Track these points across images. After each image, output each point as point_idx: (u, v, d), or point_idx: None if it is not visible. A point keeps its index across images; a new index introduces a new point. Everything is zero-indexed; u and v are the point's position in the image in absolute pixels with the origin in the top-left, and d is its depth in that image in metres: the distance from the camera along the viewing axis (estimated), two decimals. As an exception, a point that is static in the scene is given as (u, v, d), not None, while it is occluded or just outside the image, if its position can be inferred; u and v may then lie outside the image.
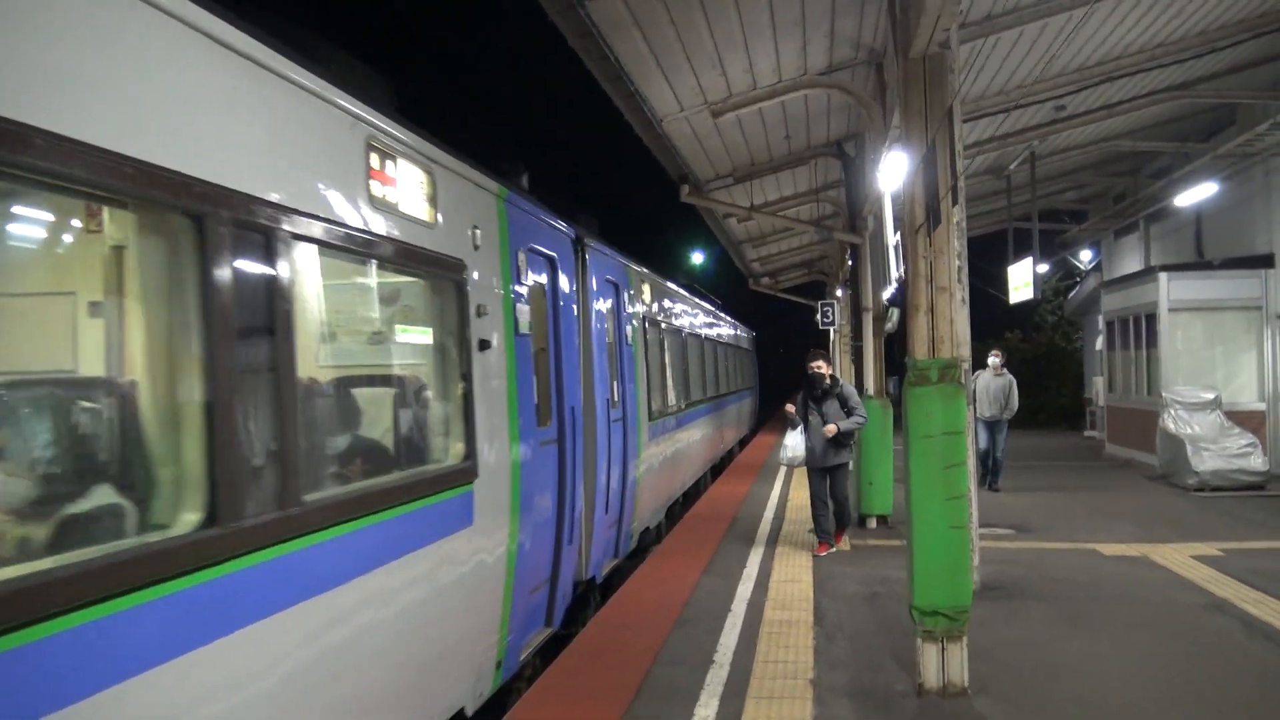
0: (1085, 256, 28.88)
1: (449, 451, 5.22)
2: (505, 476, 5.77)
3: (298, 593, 3.50)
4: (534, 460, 6.20)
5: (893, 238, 9.50)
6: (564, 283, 7.24)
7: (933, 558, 5.87)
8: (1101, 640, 7.02)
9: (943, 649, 5.91)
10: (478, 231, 5.58)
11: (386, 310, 5.04)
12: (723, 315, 20.80)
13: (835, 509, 10.34)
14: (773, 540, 11.04)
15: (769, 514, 13.11)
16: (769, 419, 31.40)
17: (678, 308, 13.85)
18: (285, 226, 3.52)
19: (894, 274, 9.52)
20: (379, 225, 4.34)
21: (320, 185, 3.87)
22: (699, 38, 7.66)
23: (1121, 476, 16.81)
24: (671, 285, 13.58)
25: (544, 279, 6.84)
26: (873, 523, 11.93)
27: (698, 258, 42.83)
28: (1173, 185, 17.59)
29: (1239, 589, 8.38)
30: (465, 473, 5.20)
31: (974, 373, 13.24)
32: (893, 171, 8.92)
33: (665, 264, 20.52)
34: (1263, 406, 16.35)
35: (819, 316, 18.48)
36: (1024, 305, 34.29)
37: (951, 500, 5.82)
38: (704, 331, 16.73)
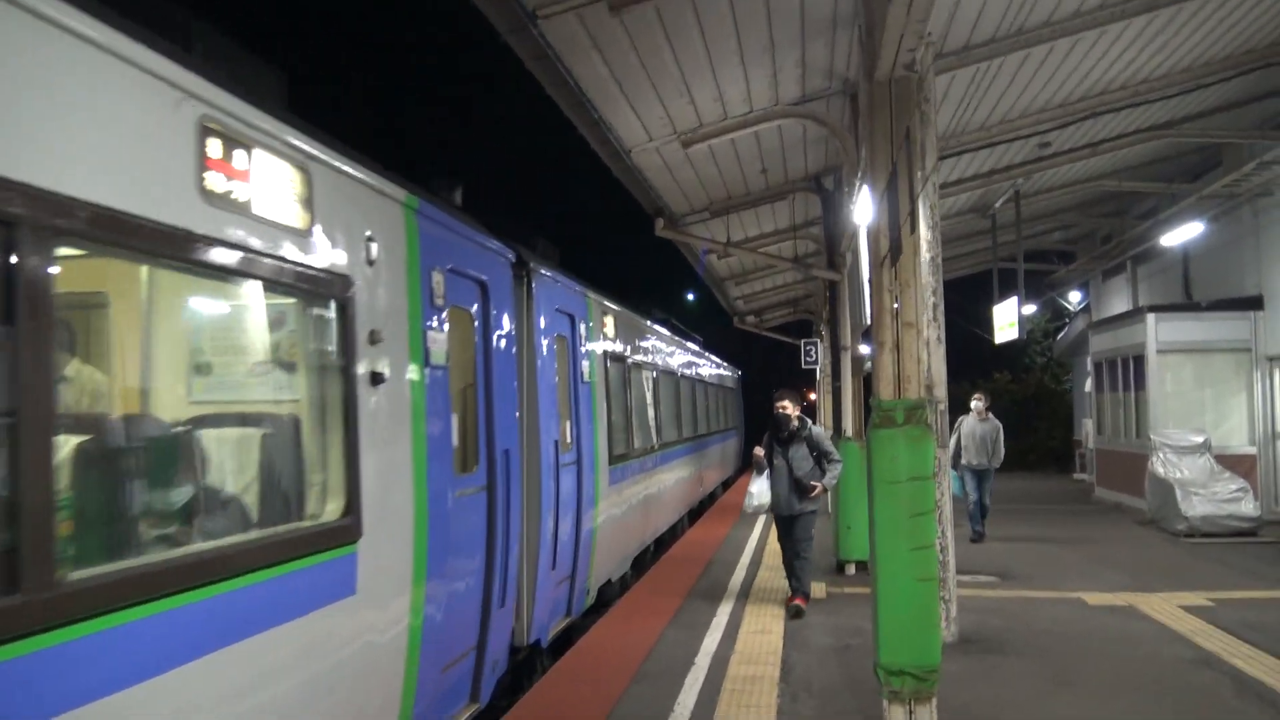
0: (1074, 298, 28.70)
1: (322, 506, 4.31)
2: (405, 533, 4.88)
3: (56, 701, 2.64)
4: (451, 513, 5.41)
5: (867, 274, 9.16)
6: (499, 311, 6.47)
7: (898, 612, 5.46)
8: (1085, 700, 6.60)
9: (910, 711, 5.49)
10: (373, 245, 4.72)
11: (225, 333, 4.31)
12: (703, 353, 20.38)
13: (794, 561, 9.41)
14: (746, 587, 10.61)
15: (745, 559, 12.68)
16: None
17: (649, 344, 13.11)
18: (57, 221, 2.74)
19: (868, 311, 9.18)
20: (214, 227, 3.47)
21: (123, 172, 3.05)
22: (663, 63, 7.37)
23: (1110, 521, 16.41)
24: (642, 320, 12.82)
25: (472, 306, 6.09)
26: (851, 569, 11.51)
27: (688, 297, 42.59)
28: (1159, 226, 17.38)
29: (1229, 642, 7.97)
30: (343, 531, 4.28)
31: (958, 419, 13.02)
32: (865, 204, 8.62)
33: (652, 302, 20.09)
34: (1253, 450, 16.00)
35: (803, 356, 18.13)
36: (1013, 346, 34.07)
37: (918, 550, 5.43)
38: (680, 370, 16.11)
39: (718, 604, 9.74)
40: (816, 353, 17.75)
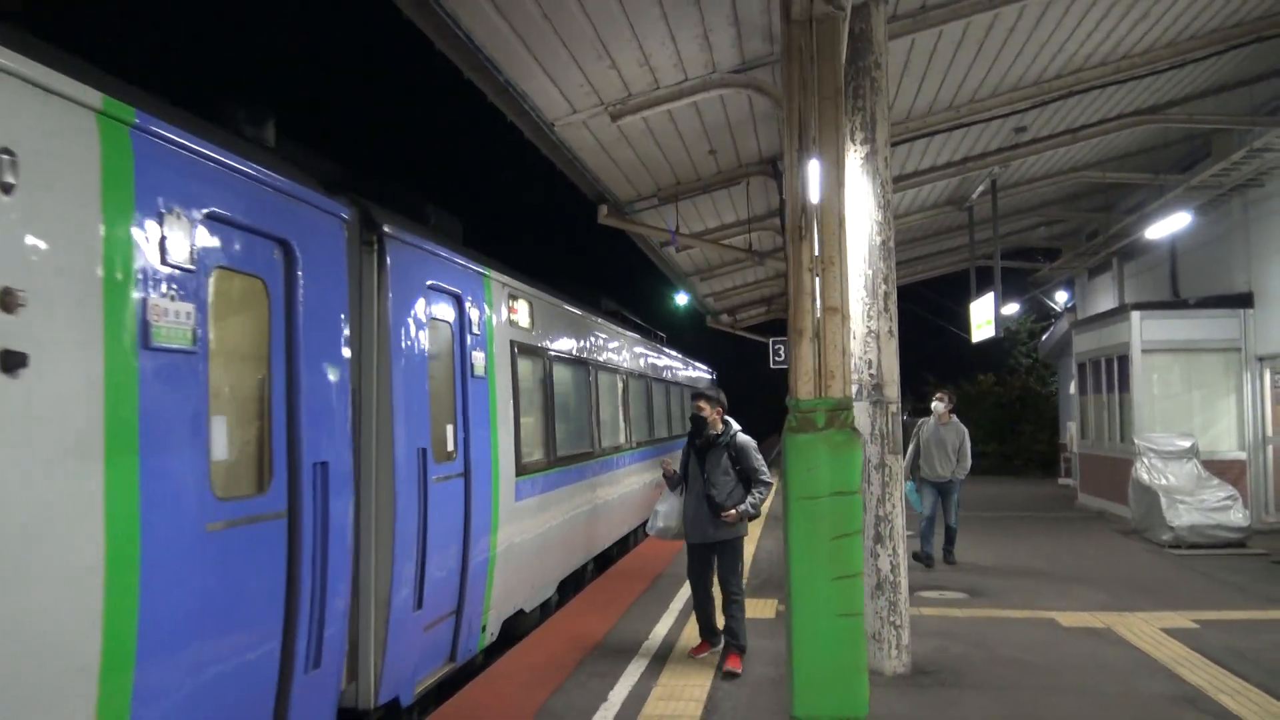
0: (1061, 298, 27.87)
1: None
2: (90, 594, 3.50)
3: None
4: (206, 556, 4.11)
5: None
6: (317, 282, 5.13)
7: (817, 655, 4.57)
8: (1046, 748, 5.71)
9: (831, 773, 4.59)
10: (15, 162, 3.32)
11: None
12: (664, 351, 19.38)
13: (727, 609, 7.45)
14: (689, 609, 9.69)
15: (698, 572, 11.76)
16: (733, 463, 29.89)
17: (588, 338, 11.72)
18: None
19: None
20: None
21: None
22: (570, 16, 6.44)
23: (1092, 530, 15.53)
24: (577, 311, 11.39)
25: (265, 272, 4.77)
26: (809, 584, 10.59)
27: (677, 297, 41.45)
28: (1144, 220, 16.53)
29: (1214, 674, 7.08)
30: None
31: (918, 423, 11.93)
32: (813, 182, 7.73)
33: (632, 304, 19.02)
34: (1243, 455, 15.15)
35: (772, 355, 17.21)
36: (998, 348, 33.25)
37: (842, 581, 4.53)
38: (632, 368, 14.87)
39: (653, 626, 8.83)
40: (785, 353, 16.80)
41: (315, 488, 5.03)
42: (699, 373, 26.69)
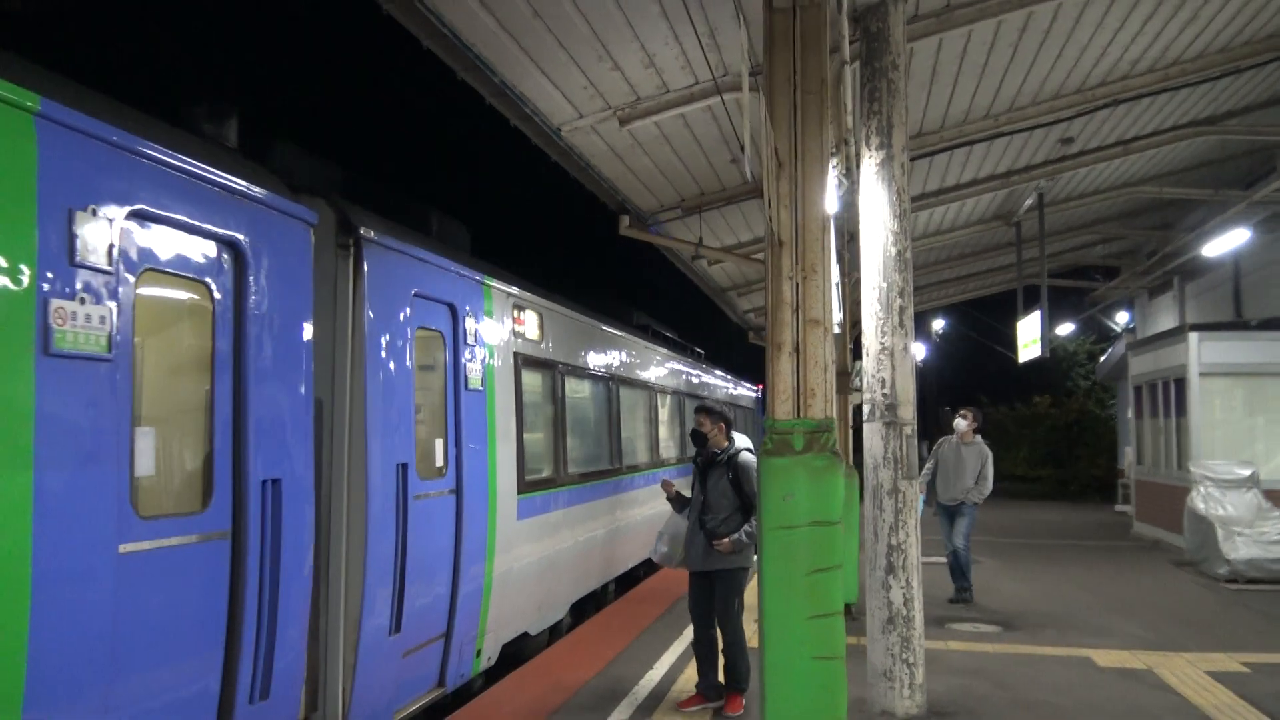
0: (1122, 319, 26.92)
1: None
2: None
3: None
4: (111, 581, 3.75)
5: (834, 273, 7.84)
6: (276, 288, 4.86)
7: (791, 701, 4.15)
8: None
9: (805, 833, 4.16)
10: None
11: None
12: (701, 367, 18.97)
13: (722, 646, 6.86)
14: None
15: (720, 597, 11.32)
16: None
17: (612, 351, 11.39)
18: None
19: (835, 317, 7.84)
20: None
21: None
22: (563, 13, 6.13)
23: (1145, 561, 14.77)
24: (599, 324, 10.99)
25: (203, 274, 4.43)
26: (833, 613, 10.11)
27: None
28: (1204, 237, 15.78)
29: (1261, 728, 6.51)
30: None
31: (937, 441, 11.20)
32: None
33: (672, 320, 18.63)
34: (1308, 486, 14.31)
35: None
36: (1056, 369, 32.24)
37: (819, 620, 4.11)
38: (662, 384, 14.54)
39: (659, 655, 8.43)
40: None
41: (265, 506, 4.73)
42: (743, 390, 26.23)
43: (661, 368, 14.41)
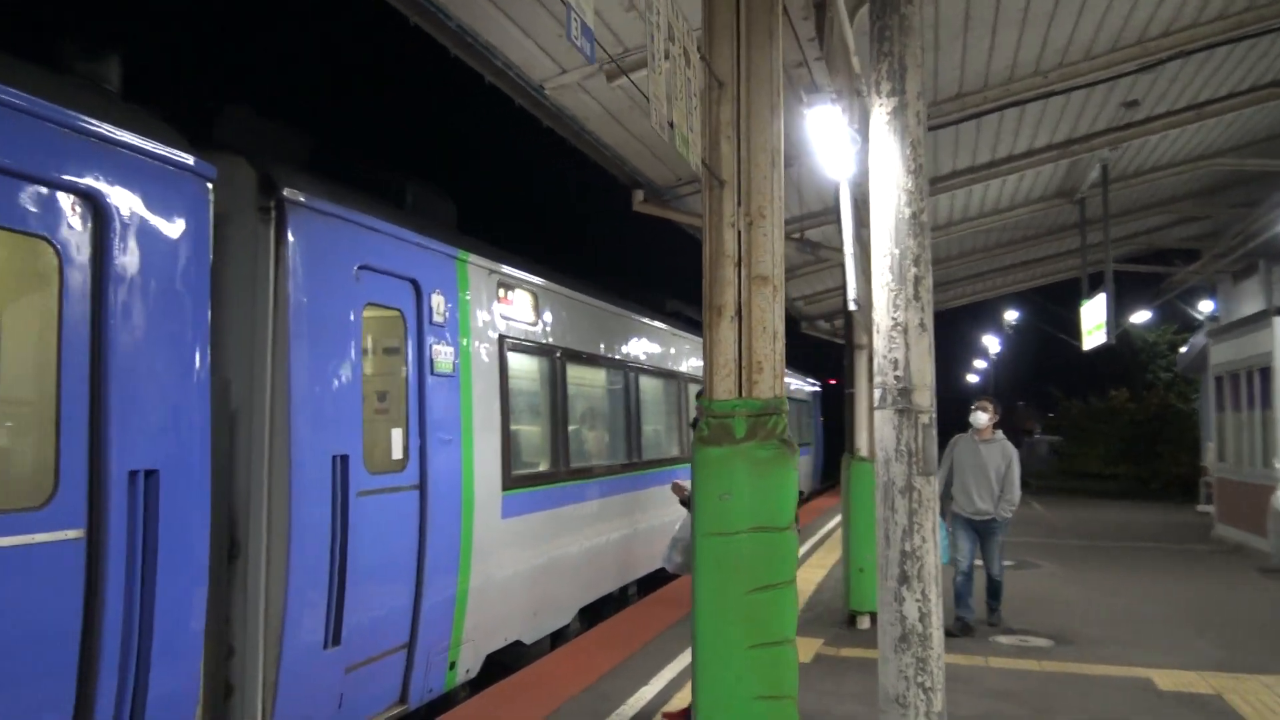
0: (1207, 307, 25.27)
1: None
2: None
3: None
4: None
5: (849, 244, 6.96)
6: (143, 246, 4.15)
7: (727, 750, 3.32)
8: None
9: None
10: None
11: None
12: None
13: None
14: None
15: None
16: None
17: (630, 338, 10.47)
18: None
19: (851, 293, 6.96)
20: None
21: None
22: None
23: (1224, 567, 13.52)
24: (608, 305, 10.05)
25: (45, 229, 3.78)
26: (865, 621, 9.23)
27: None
28: (1291, 212, 14.43)
29: (1347, 770, 5.49)
30: None
31: (952, 439, 9.32)
32: (827, 138, 6.45)
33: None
34: None
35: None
36: (1134, 360, 30.57)
37: (760, 650, 3.29)
38: (693, 372, 13.60)
39: (670, 660, 7.64)
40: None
41: (133, 501, 4.06)
42: (799, 383, 25.25)
43: (693, 357, 13.55)
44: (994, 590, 9.34)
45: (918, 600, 5.77)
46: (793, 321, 22.54)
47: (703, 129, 3.57)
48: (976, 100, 9.47)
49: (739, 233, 3.45)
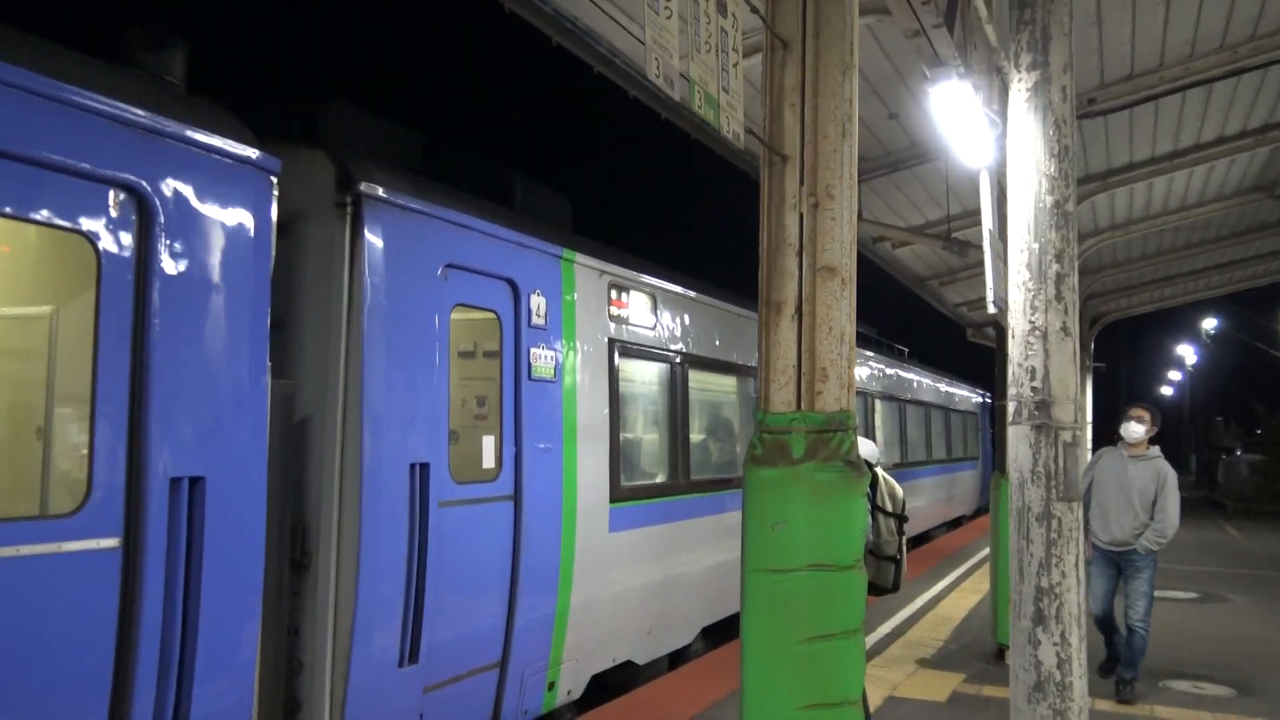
0: None
1: None
2: None
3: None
4: None
5: (988, 240, 6.24)
6: (194, 244, 3.95)
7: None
8: None
9: None
10: None
11: None
12: (902, 366, 17.14)
13: None
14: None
15: (887, 627, 9.78)
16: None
17: (755, 343, 10.05)
18: None
19: (990, 293, 6.23)
20: None
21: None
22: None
23: None
24: (737, 309, 9.36)
25: (85, 226, 3.58)
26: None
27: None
28: None
29: None
30: None
31: (1097, 453, 7.93)
32: (956, 119, 5.78)
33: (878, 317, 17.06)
34: None
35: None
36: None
37: (815, 712, 2.75)
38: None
39: None
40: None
41: (175, 509, 3.87)
42: (964, 393, 23.96)
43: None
44: (1134, 647, 7.43)
45: (1055, 644, 5.09)
46: (958, 329, 21.39)
47: (762, 97, 3.06)
48: (1151, 81, 8.48)
49: (801, 216, 2.93)
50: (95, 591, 3.65)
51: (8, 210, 3.44)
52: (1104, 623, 7.65)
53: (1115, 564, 7.52)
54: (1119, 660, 7.58)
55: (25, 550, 3.42)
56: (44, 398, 4.13)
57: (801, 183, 2.92)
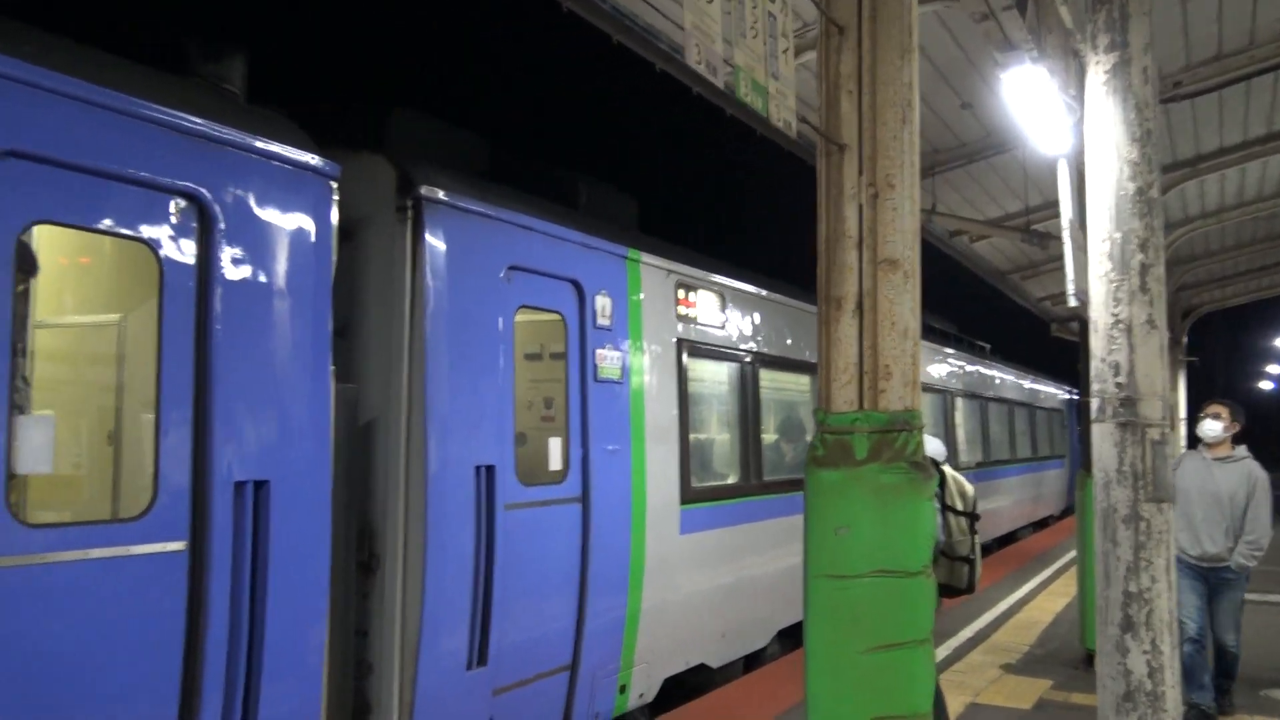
0: None
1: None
2: None
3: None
4: None
5: (1067, 231, 6.03)
6: (255, 249, 3.98)
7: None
8: None
9: None
10: None
11: None
12: (983, 363, 16.70)
13: None
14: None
15: (968, 631, 9.51)
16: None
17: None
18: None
19: (1070, 285, 6.00)
20: None
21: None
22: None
23: None
24: (806, 305, 8.92)
25: (145, 232, 3.61)
26: (1104, 664, 8.06)
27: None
28: None
29: None
30: None
31: (1176, 458, 6.80)
32: (1029, 105, 5.58)
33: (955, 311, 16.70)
34: None
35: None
36: None
37: (882, 724, 2.63)
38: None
39: None
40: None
41: (240, 513, 3.91)
42: (1050, 390, 23.32)
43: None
44: (1225, 666, 6.91)
45: (1145, 652, 4.87)
46: (1041, 324, 20.84)
47: (818, 85, 2.95)
48: (1241, 62, 8.10)
49: (860, 207, 2.81)
50: (163, 594, 3.68)
51: (77, 221, 3.50)
52: (1198, 644, 6.72)
53: (1205, 580, 6.76)
54: (1201, 710, 6.66)
55: (95, 553, 3.47)
56: (114, 403, 4.19)
57: (860, 172, 2.81)
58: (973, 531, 5.23)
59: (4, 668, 3.18)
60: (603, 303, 6.25)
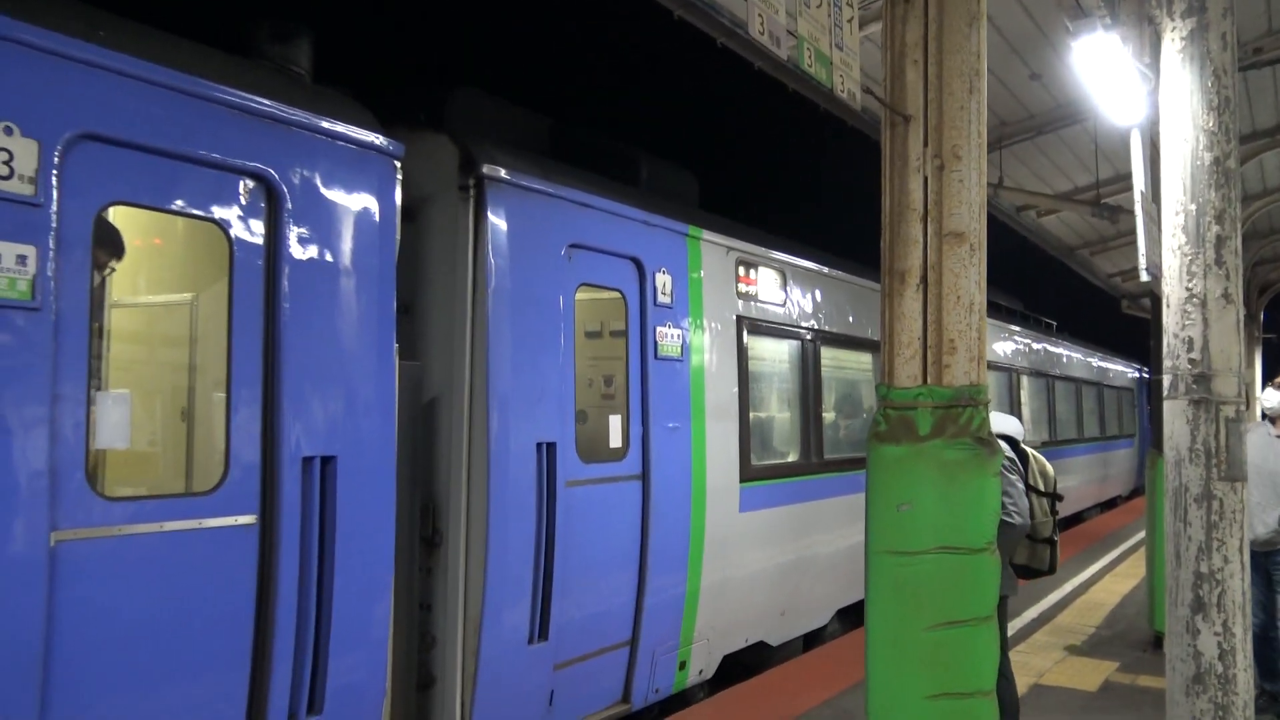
0: None
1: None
2: None
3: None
4: (31, 579, 3.11)
5: (1140, 203, 5.87)
6: (321, 229, 4.04)
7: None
8: None
9: None
10: None
11: None
12: (1050, 340, 16.37)
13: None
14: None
15: (1033, 612, 9.39)
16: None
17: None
18: None
19: (1143, 259, 5.85)
20: None
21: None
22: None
23: None
24: (869, 283, 8.77)
25: (215, 212, 3.71)
26: (1174, 646, 7.90)
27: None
28: None
29: None
30: None
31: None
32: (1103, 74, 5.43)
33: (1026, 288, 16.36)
34: None
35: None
36: None
37: (944, 701, 2.61)
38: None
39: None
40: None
41: (308, 487, 3.99)
42: (1119, 368, 22.81)
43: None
44: (1266, 648, 6.15)
45: (1217, 634, 4.75)
46: (1112, 301, 20.41)
47: (883, 54, 2.91)
48: None
49: (926, 179, 2.77)
50: (234, 566, 3.79)
51: (151, 202, 3.59)
52: (1262, 635, 6.05)
53: (1262, 569, 6.10)
54: (1269, 690, 6.24)
55: (170, 526, 3.57)
56: (186, 382, 4.30)
57: (925, 144, 2.76)
58: (1054, 512, 5.14)
59: (85, 637, 3.29)
60: (663, 280, 6.25)
